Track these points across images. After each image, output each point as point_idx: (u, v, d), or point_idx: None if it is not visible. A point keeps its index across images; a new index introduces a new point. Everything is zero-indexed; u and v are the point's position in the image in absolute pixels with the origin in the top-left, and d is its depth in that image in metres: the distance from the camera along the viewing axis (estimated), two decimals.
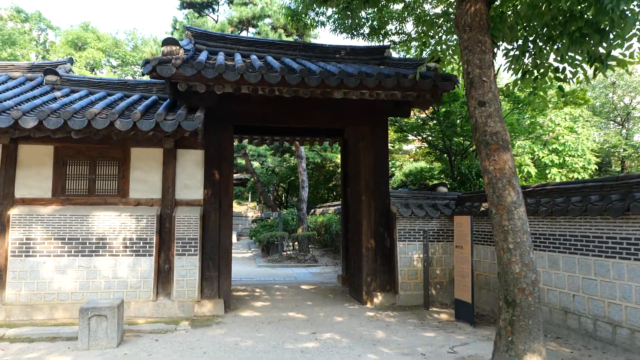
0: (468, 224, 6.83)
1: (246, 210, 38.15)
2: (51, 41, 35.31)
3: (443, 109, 11.16)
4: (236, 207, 41.16)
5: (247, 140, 11.77)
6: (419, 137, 13.00)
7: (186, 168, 7.97)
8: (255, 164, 26.92)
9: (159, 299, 7.52)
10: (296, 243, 17.55)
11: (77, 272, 7.25)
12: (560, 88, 5.99)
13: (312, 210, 23.62)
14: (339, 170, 22.51)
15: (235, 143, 16.76)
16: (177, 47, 7.08)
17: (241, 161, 23.20)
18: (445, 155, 12.64)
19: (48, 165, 7.53)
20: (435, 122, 11.70)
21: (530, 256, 4.47)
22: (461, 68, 7.14)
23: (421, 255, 8.40)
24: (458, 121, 11.16)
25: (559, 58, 5.78)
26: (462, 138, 11.46)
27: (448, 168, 11.99)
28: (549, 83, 6.16)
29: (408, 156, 23.17)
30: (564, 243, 6.11)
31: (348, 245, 10.41)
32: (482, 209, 7.60)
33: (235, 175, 28.18)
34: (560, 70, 5.87)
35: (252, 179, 22.50)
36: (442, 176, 13.14)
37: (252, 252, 20.11)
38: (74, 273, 7.23)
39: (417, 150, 21.26)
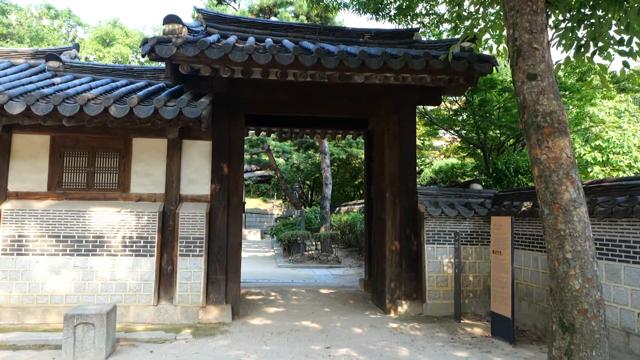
0: (508, 226, 5.86)
1: (272, 208, 37.70)
2: (80, 38, 35.68)
3: (478, 98, 10.12)
4: (262, 205, 40.79)
5: (264, 132, 11.06)
6: (451, 131, 11.97)
7: (192, 161, 7.29)
8: (280, 160, 26.32)
9: (161, 303, 6.87)
10: (318, 242, 16.78)
11: (73, 273, 6.67)
12: (625, 64, 4.97)
13: (337, 209, 22.80)
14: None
15: (255, 137, 16.12)
16: (180, 26, 6.38)
17: (265, 157, 22.61)
18: (479, 150, 11.59)
19: (44, 157, 6.98)
20: (468, 113, 10.66)
21: (593, 269, 3.54)
22: (500, 48, 6.20)
23: (452, 260, 7.46)
24: (495, 111, 10.09)
25: (622, 27, 4.79)
26: (498, 131, 10.40)
27: (482, 164, 10.96)
28: (607, 61, 5.16)
29: (438, 153, 22.03)
30: (626, 250, 5.09)
31: (371, 246, 9.56)
32: (523, 208, 6.60)
33: (258, 172, 27.66)
34: (625, 42, 4.86)
35: (276, 176, 21.87)
36: (475, 173, 12.09)
37: (274, 251, 19.48)
38: (69, 274, 6.66)
39: (448, 146, 20.12)
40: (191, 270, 6.90)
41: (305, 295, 9.20)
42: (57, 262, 6.66)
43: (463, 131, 11.66)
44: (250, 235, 27.35)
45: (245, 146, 20.09)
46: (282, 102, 7.62)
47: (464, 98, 10.66)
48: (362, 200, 20.07)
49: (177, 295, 6.83)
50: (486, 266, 7.58)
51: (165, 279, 6.94)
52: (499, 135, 10.67)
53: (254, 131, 10.96)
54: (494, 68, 6.79)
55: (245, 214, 31.08)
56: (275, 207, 37.75)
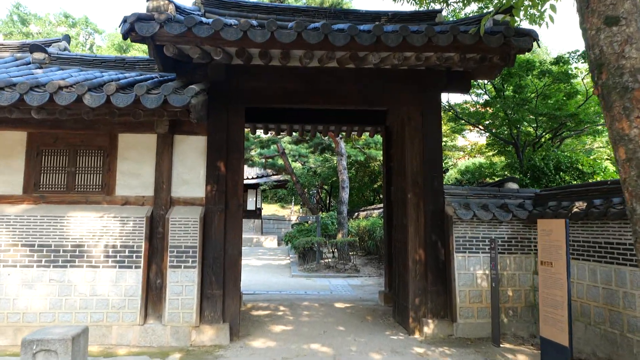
0: (562, 231, 4.75)
1: (289, 214, 36.85)
2: (98, 45, 35.70)
3: (511, 86, 8.98)
4: (279, 211, 40.01)
5: (272, 132, 10.15)
6: (478, 127, 10.83)
7: (185, 159, 6.41)
8: (297, 164, 25.44)
9: (148, 322, 5.97)
10: (335, 250, 15.76)
11: (48, 287, 5.84)
12: None
13: (356, 214, 21.74)
14: None
15: (263, 136, 15.26)
16: (166, 2, 5.51)
17: (280, 161, 21.76)
18: (510, 147, 10.43)
19: (19, 156, 6.20)
20: (498, 105, 9.52)
21: None
22: (540, 21, 5.12)
23: (487, 272, 6.38)
24: (532, 100, 8.87)
25: None
26: (535, 124, 9.21)
27: (515, 161, 9.79)
28: None
29: (462, 153, 20.78)
30: None
31: (392, 255, 8.51)
32: (575, 210, 5.49)
33: (274, 177, 26.82)
34: None
35: (292, 180, 20.98)
36: (506, 172, 10.93)
37: (289, 259, 18.52)
38: (44, 288, 5.83)
39: (472, 146, 18.88)
40: (183, 284, 5.99)
41: (317, 310, 8.20)
42: (31, 275, 5.84)
43: (492, 127, 10.49)
44: (267, 242, 26.53)
45: (256, 148, 19.34)
46: (288, 92, 6.68)
47: (492, 87, 9.55)
48: (382, 205, 19.01)
49: (166, 313, 5.93)
50: (527, 279, 6.46)
51: (153, 294, 6.05)
52: (535, 128, 9.48)
53: (262, 130, 10.08)
54: (535, 43, 5.71)
55: (262, 220, 30.32)
56: (293, 213, 36.88)
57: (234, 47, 5.49)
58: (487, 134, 11.54)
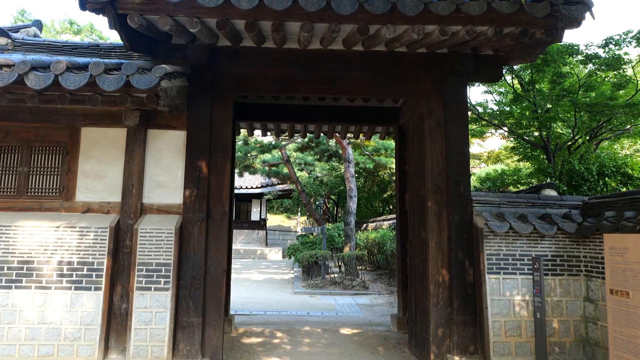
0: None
1: (296, 225, 35.76)
2: None
3: (546, 78, 7.81)
4: (285, 222, 38.90)
5: (272, 134, 9.10)
6: (503, 129, 9.66)
7: (161, 158, 5.35)
8: (303, 174, 24.40)
9: (109, 356, 4.86)
10: (342, 264, 14.59)
11: None
12: None
13: (364, 225, 20.57)
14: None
15: (266, 140, 14.23)
16: None
17: (285, 170, 20.72)
18: (538, 151, 9.24)
19: None
20: (529, 101, 8.34)
21: None
22: None
23: (526, 298, 5.19)
24: (571, 92, 7.61)
25: None
26: (569, 125, 8.02)
27: (548, 166, 8.58)
28: None
29: (478, 161, 19.54)
30: None
31: (406, 273, 7.35)
32: None
33: (279, 186, 25.78)
34: None
35: (297, 189, 19.91)
36: (533, 180, 9.74)
37: (293, 273, 17.38)
38: None
39: (489, 154, 17.66)
40: (152, 310, 4.88)
41: (320, 337, 7.04)
42: None
43: (518, 128, 9.30)
44: (272, 254, 25.43)
45: (256, 153, 18.25)
46: (284, 79, 5.60)
47: (518, 82, 8.39)
48: (393, 216, 17.82)
49: (131, 345, 4.81)
50: (577, 307, 5.26)
51: (116, 323, 4.95)
52: (572, 127, 8.24)
53: (260, 130, 9.02)
54: (589, 15, 4.59)
55: (267, 232, 29.24)
56: (299, 224, 35.77)
57: (214, 16, 4.43)
58: (510, 138, 10.36)
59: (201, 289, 5.11)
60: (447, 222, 5.46)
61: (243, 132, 9.79)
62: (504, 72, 9.87)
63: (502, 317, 5.15)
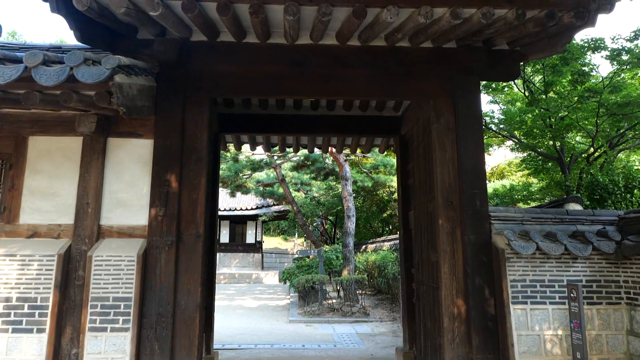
0: None
1: (293, 247, 34.76)
2: None
3: (565, 79, 7.07)
4: (282, 244, 37.87)
5: (262, 146, 8.32)
6: (513, 139, 8.88)
7: (122, 171, 4.54)
8: (299, 194, 23.59)
9: None
10: (341, 289, 13.64)
11: None
12: None
13: (363, 247, 19.65)
14: (396, 194, 18.57)
15: (257, 157, 13.44)
16: None
17: (280, 190, 19.91)
18: (550, 163, 8.46)
19: None
20: (539, 110, 7.61)
21: None
22: None
23: (560, 332, 4.33)
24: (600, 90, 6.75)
25: None
26: (585, 133, 7.25)
27: (567, 178, 7.75)
28: None
29: None
30: None
31: (412, 300, 6.49)
32: None
33: (275, 208, 24.92)
34: None
35: (293, 210, 19.07)
36: (545, 197, 8.94)
37: (289, 299, 16.39)
38: None
39: (493, 170, 16.90)
40: (108, 355, 4.00)
41: None
42: None
43: (530, 139, 8.53)
44: (268, 278, 24.40)
45: (248, 172, 17.39)
46: (269, 78, 4.83)
47: (524, 84, 7.65)
48: (394, 236, 16.93)
49: None
50: (620, 342, 4.40)
51: None
52: (594, 132, 7.40)
53: (248, 145, 8.23)
54: None
55: (263, 254, 28.24)
56: (297, 246, 34.77)
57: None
58: (518, 151, 9.62)
59: (169, 328, 4.23)
60: (462, 243, 4.63)
61: (233, 148, 9.03)
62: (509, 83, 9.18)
63: (531, 357, 4.28)
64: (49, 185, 4.44)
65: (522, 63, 5.49)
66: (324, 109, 6.87)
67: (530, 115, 7.68)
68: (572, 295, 3.99)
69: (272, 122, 6.98)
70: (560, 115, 7.32)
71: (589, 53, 6.78)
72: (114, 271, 4.17)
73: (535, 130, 7.79)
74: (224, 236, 27.10)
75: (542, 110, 7.42)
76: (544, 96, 7.48)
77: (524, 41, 4.64)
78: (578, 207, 5.53)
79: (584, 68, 6.85)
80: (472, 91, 4.84)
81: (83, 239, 4.30)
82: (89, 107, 3.79)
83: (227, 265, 26.56)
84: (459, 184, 4.72)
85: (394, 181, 17.10)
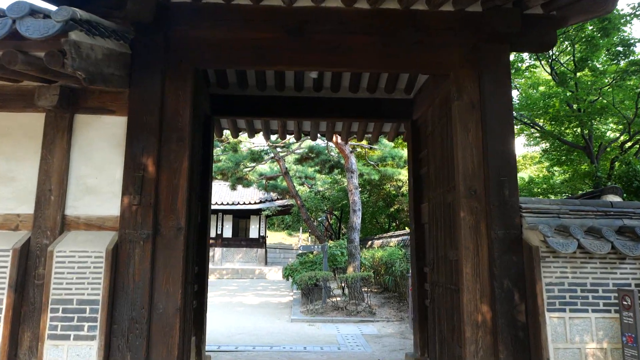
0: None
1: (297, 242, 34.18)
2: None
3: (603, 53, 6.33)
4: (286, 239, 37.30)
5: (262, 133, 7.68)
6: (535, 127, 8.14)
7: (92, 152, 3.91)
8: (304, 188, 22.95)
9: None
10: (345, 286, 13.02)
11: None
12: None
13: (369, 243, 18.99)
14: (403, 188, 17.89)
15: (257, 147, 12.85)
16: None
17: (284, 184, 19.28)
18: (575, 153, 7.73)
19: None
20: (566, 94, 6.87)
21: None
22: None
23: (605, 345, 3.66)
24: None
25: None
26: (619, 120, 6.52)
27: (598, 169, 6.99)
28: None
29: None
30: None
31: (424, 302, 5.84)
32: None
33: (278, 202, 24.30)
34: None
35: (297, 204, 18.43)
36: (567, 192, 8.21)
37: (292, 295, 15.79)
38: None
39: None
40: None
41: None
42: None
43: (554, 127, 7.79)
44: (271, 273, 23.84)
45: (249, 164, 16.71)
46: (263, 46, 4.16)
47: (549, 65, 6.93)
48: (402, 232, 16.26)
49: None
50: None
51: None
52: (632, 115, 6.59)
53: (245, 130, 7.58)
54: None
55: (267, 250, 27.68)
56: (301, 241, 34.20)
57: None
58: (540, 139, 8.86)
59: (144, 336, 3.61)
60: (488, 239, 3.97)
61: (232, 139, 8.38)
62: (533, 60, 8.44)
63: None
64: (7, 169, 3.82)
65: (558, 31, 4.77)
66: (328, 91, 6.23)
67: (556, 100, 6.92)
68: (624, 303, 3.32)
69: (270, 105, 6.33)
70: (589, 99, 6.59)
71: (634, 20, 6.06)
72: (78, 269, 3.54)
73: (562, 113, 6.98)
74: (227, 231, 26.57)
75: (571, 93, 6.67)
76: (573, 77, 6.73)
77: (562, 1, 3.93)
78: (617, 198, 4.83)
79: (630, 37, 6.06)
80: (501, 61, 4.14)
81: (44, 231, 3.68)
82: (42, 72, 3.15)
83: (230, 261, 26.04)
84: (483, 170, 4.05)
85: (402, 174, 16.40)
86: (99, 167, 3.87)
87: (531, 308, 3.78)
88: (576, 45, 6.49)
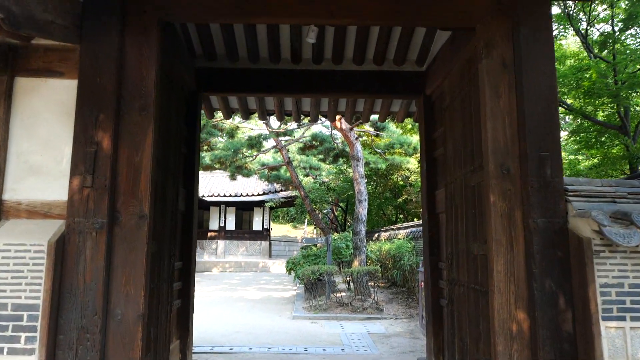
0: None
1: (302, 235, 33.56)
2: None
3: None
4: (291, 232, 36.66)
5: (258, 116, 6.93)
6: (562, 106, 7.32)
7: (36, 124, 3.18)
8: (308, 179, 22.23)
9: None
10: (351, 281, 12.31)
11: None
12: None
13: (376, 235, 18.26)
14: (412, 177, 17.10)
15: (255, 132, 12.14)
16: None
17: (287, 174, 18.57)
18: (607, 135, 6.90)
19: None
20: (603, 65, 6.03)
21: None
22: None
23: None
24: None
25: None
26: None
27: (620, 153, 6.20)
28: None
29: None
30: None
31: (439, 302, 5.12)
32: None
33: (282, 194, 23.59)
34: None
35: (300, 195, 17.73)
36: (597, 177, 7.39)
37: (295, 290, 15.14)
38: None
39: None
40: None
41: None
42: None
43: (586, 104, 6.95)
44: (275, 266, 23.25)
45: (248, 151, 15.97)
46: None
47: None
48: (411, 223, 15.50)
49: None
50: None
51: None
52: None
53: (238, 110, 6.83)
54: None
55: (271, 242, 27.06)
56: (306, 234, 33.60)
57: None
58: (565, 120, 8.06)
59: (97, 349, 2.89)
60: (524, 230, 3.20)
61: (219, 114, 7.63)
62: (560, 34, 7.60)
63: None
64: None
65: None
66: (329, 62, 5.49)
67: (593, 70, 6.07)
68: None
69: (265, 79, 5.59)
70: (631, 69, 5.79)
71: None
72: (14, 266, 2.84)
73: (597, 85, 6.13)
74: (230, 223, 25.96)
75: (605, 64, 5.86)
76: (616, 39, 5.90)
77: None
78: None
79: None
80: (540, 10, 3.35)
81: None
82: None
83: (233, 253, 25.47)
84: (519, 144, 3.28)
85: (410, 162, 15.60)
86: (45, 142, 3.15)
87: (581, 316, 3.02)
88: (620, 2, 5.73)
